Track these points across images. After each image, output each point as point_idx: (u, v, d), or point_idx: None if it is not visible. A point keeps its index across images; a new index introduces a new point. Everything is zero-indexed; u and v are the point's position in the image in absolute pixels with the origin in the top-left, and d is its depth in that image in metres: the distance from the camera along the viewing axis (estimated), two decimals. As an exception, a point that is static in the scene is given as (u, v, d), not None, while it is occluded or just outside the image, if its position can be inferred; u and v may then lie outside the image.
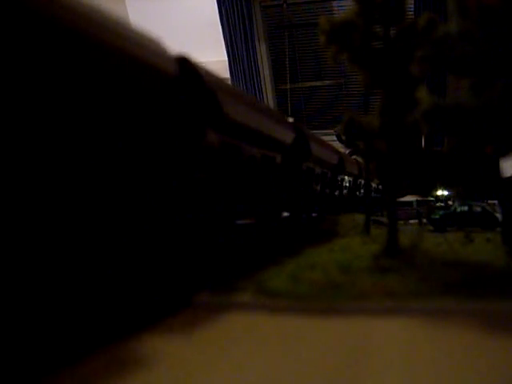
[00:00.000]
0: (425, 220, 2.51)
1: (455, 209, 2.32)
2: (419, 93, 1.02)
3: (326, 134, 3.91)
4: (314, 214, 1.91)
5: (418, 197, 2.71)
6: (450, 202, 2.87)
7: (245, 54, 6.05)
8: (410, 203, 2.96)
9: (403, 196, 2.00)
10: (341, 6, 5.80)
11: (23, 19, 0.46)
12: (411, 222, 2.61)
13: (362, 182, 2.68)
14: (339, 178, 2.17)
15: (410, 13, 4.50)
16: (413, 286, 0.81)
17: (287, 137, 1.36)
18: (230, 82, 5.25)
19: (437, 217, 2.34)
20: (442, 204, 3.03)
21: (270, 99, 6.19)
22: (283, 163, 1.35)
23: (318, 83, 6.26)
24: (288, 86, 6.27)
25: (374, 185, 2.78)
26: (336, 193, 2.17)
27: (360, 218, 1.87)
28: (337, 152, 2.11)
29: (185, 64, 0.83)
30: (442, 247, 1.26)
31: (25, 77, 0.48)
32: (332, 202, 2.12)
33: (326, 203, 2.03)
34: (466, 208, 2.27)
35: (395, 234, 1.05)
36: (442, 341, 0.61)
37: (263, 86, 6.17)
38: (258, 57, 6.11)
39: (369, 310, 0.74)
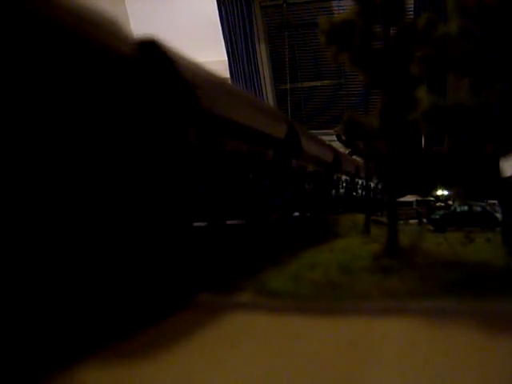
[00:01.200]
0: (425, 220, 2.51)
1: (455, 209, 2.32)
2: (419, 93, 1.02)
3: (325, 134, 3.91)
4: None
5: (418, 197, 2.71)
6: (450, 202, 2.87)
7: (245, 54, 6.06)
8: (410, 203, 2.96)
9: (403, 196, 2.00)
10: (341, 6, 5.80)
11: None
12: (411, 221, 2.61)
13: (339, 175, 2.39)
14: (294, 162, 1.49)
15: (410, 13, 4.50)
16: (413, 285, 0.81)
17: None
18: (230, 82, 5.24)
19: (437, 217, 2.34)
20: (442, 204, 3.03)
21: (269, 99, 6.19)
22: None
23: (318, 83, 6.27)
24: (288, 86, 6.27)
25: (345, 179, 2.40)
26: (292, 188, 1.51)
27: (360, 217, 1.86)
28: (283, 119, 1.40)
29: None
30: (442, 247, 1.26)
31: None
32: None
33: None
34: (466, 208, 2.27)
35: (395, 234, 1.05)
36: (442, 341, 0.61)
37: (263, 86, 6.18)
38: (258, 57, 6.11)
39: (369, 309, 0.74)
